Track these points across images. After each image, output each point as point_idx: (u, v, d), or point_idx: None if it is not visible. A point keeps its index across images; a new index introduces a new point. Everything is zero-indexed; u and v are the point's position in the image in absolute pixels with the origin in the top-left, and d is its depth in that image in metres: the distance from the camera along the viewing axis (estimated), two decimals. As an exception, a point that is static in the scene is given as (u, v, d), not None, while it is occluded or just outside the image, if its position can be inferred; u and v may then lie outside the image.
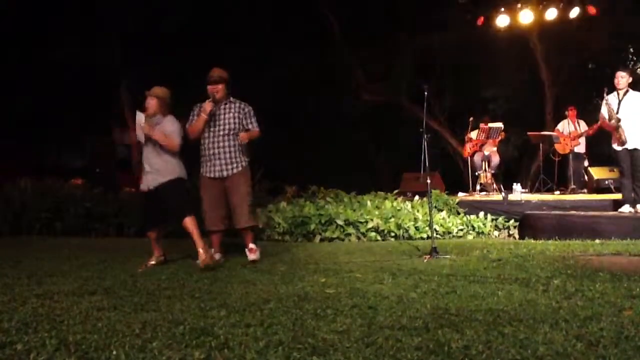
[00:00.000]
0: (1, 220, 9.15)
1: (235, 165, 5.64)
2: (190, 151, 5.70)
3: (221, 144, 5.62)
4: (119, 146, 16.94)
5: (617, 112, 7.81)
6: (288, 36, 15.19)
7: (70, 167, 14.98)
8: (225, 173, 5.63)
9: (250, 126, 5.71)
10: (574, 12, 11.59)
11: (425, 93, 6.54)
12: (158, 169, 5.39)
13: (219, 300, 3.69)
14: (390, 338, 2.73)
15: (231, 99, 5.75)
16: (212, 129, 5.64)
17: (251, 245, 5.73)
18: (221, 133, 5.63)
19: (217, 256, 5.66)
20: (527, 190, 11.89)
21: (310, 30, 15.60)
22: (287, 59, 15.08)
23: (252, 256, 5.67)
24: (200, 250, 5.22)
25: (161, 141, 5.33)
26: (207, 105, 5.52)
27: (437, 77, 15.32)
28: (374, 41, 15.44)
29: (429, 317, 3.14)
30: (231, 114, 5.67)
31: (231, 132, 5.64)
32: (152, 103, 5.43)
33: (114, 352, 2.55)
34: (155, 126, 5.39)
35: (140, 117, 5.35)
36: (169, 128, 5.40)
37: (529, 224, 7.99)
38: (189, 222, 5.33)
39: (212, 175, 5.65)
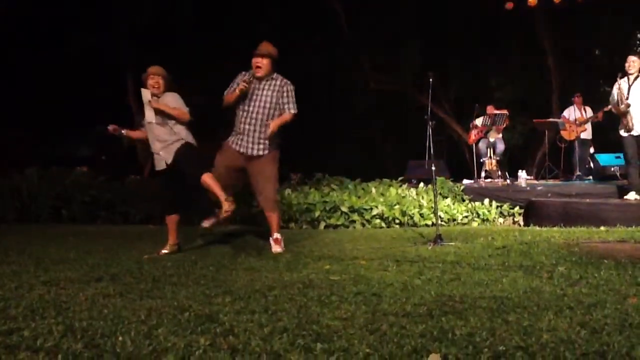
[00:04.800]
0: (8, 208, 9.20)
1: (263, 146, 5.40)
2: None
3: (253, 121, 5.37)
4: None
5: (627, 97, 7.76)
6: (296, 27, 15.11)
7: (76, 156, 15.01)
8: (250, 151, 5.39)
9: (285, 106, 5.40)
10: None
11: (431, 81, 6.53)
12: (169, 144, 5.29)
13: (224, 287, 3.71)
14: (395, 325, 2.74)
15: (274, 75, 5.47)
16: (248, 104, 5.39)
17: (276, 235, 5.49)
18: (256, 110, 5.37)
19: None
20: (532, 177, 11.87)
21: (317, 20, 15.51)
22: (295, 49, 15.02)
23: (276, 248, 5.44)
24: (223, 200, 5.09)
25: (171, 112, 5.22)
26: (242, 84, 5.33)
27: (443, 65, 15.23)
28: (381, 30, 15.35)
29: (433, 304, 3.15)
30: (269, 92, 5.39)
31: (266, 110, 5.37)
32: (158, 82, 5.34)
33: (120, 339, 2.56)
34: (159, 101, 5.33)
35: (145, 93, 5.28)
36: (174, 103, 5.30)
37: (534, 211, 7.98)
38: (207, 178, 5.15)
39: (237, 149, 5.44)
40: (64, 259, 5.00)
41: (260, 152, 5.39)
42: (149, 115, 5.29)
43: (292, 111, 5.43)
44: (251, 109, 5.39)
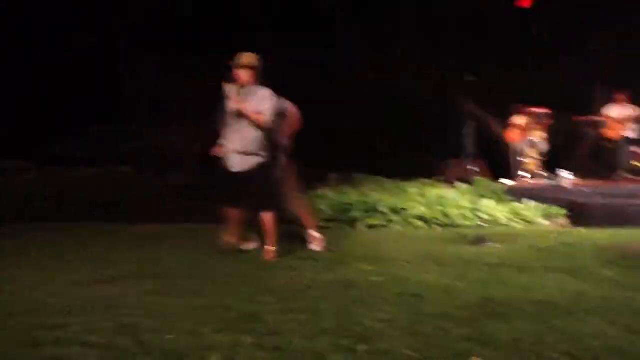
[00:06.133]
0: (72, 205, 9.42)
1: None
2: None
3: None
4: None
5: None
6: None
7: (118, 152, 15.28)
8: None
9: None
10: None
11: (469, 80, 6.44)
12: (245, 150, 4.99)
13: (265, 286, 3.75)
14: (437, 328, 2.73)
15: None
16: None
17: (314, 234, 5.58)
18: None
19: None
20: (576, 177, 11.60)
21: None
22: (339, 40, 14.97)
23: (314, 246, 5.51)
24: (269, 247, 5.05)
25: (252, 118, 4.93)
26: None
27: (481, 63, 15.00)
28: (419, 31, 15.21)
29: (476, 307, 3.12)
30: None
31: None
32: (242, 74, 4.95)
33: (167, 336, 2.62)
34: (247, 98, 4.98)
35: (229, 89, 4.95)
36: (263, 105, 4.98)
37: (579, 212, 7.79)
38: (270, 219, 5.02)
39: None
40: (113, 258, 5.13)
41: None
42: (234, 106, 4.94)
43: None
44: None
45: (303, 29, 14.14)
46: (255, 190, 4.98)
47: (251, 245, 5.47)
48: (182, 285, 3.83)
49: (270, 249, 5.07)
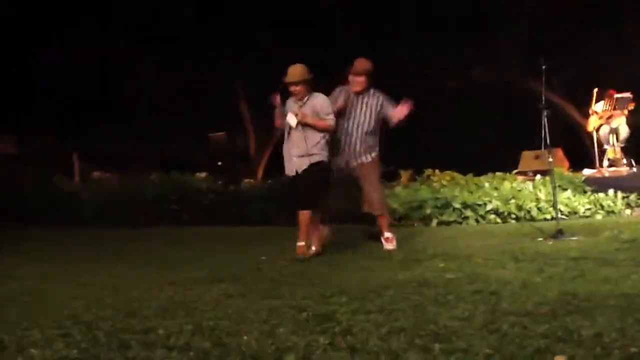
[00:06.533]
0: (132, 212, 9.86)
1: (368, 154, 5.72)
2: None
3: (357, 134, 5.68)
4: (239, 139, 17.62)
5: None
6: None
7: (195, 162, 15.82)
8: (355, 162, 5.71)
9: (389, 110, 5.70)
10: None
11: (543, 67, 6.23)
12: (306, 153, 5.27)
13: (338, 286, 3.77)
14: (516, 325, 2.66)
15: (371, 90, 5.75)
16: (347, 119, 5.68)
17: (387, 234, 5.69)
18: (355, 123, 5.69)
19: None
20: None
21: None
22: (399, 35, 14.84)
23: (388, 245, 5.62)
24: (299, 243, 5.23)
25: (316, 125, 5.27)
26: (341, 102, 5.57)
27: (554, 47, 14.44)
28: (479, 19, 14.84)
29: (555, 302, 3.02)
30: (367, 106, 5.70)
31: (365, 123, 5.70)
32: (297, 89, 5.28)
33: (244, 337, 2.69)
34: (304, 107, 5.31)
35: (291, 107, 5.32)
36: (325, 109, 5.33)
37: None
38: (306, 216, 5.23)
39: (342, 164, 5.73)
40: (188, 261, 5.31)
41: (367, 159, 5.71)
42: (291, 119, 5.28)
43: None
44: (350, 123, 5.69)
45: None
46: (303, 189, 5.25)
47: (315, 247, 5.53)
48: (256, 287, 3.92)
49: (300, 244, 5.21)
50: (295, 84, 5.22)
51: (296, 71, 5.25)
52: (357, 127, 5.69)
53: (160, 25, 14.20)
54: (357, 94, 5.68)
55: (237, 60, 14.61)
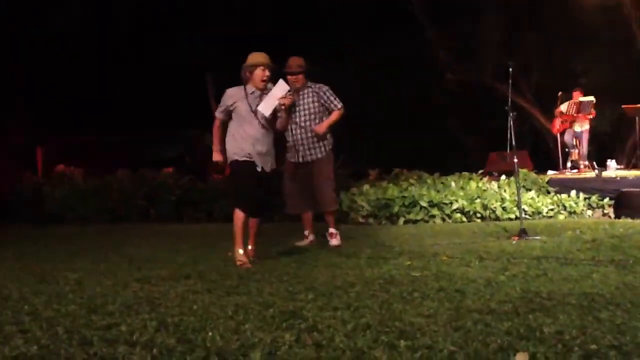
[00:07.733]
0: (101, 208, 9.73)
1: (318, 150, 5.76)
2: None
3: (304, 130, 5.72)
4: (208, 135, 17.48)
5: None
6: (366, 19, 15.07)
7: (163, 158, 15.64)
8: (307, 158, 5.75)
9: (332, 105, 5.75)
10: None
11: (510, 70, 6.34)
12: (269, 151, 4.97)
13: (306, 283, 3.77)
14: (479, 322, 2.69)
15: (308, 84, 5.80)
16: (294, 117, 5.70)
17: (331, 230, 5.79)
18: (302, 119, 5.73)
19: (311, 237, 5.88)
20: (622, 166, 11.27)
21: (388, 11, 15.38)
22: (369, 42, 14.94)
23: (333, 241, 5.73)
24: (237, 250, 4.79)
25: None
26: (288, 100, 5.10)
27: (523, 53, 14.70)
28: (458, 20, 15.02)
29: (519, 301, 3.07)
30: (310, 99, 5.75)
31: (312, 117, 5.74)
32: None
33: (210, 334, 2.67)
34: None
35: (283, 87, 4.86)
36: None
37: (626, 203, 7.59)
38: (239, 220, 4.82)
39: (294, 160, 5.80)
40: (155, 257, 5.24)
41: (319, 155, 5.75)
42: (267, 107, 4.80)
43: (338, 108, 5.77)
44: (298, 119, 5.72)
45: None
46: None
47: (305, 242, 5.82)
48: (223, 283, 3.89)
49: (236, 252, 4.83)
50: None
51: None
52: (304, 122, 5.72)
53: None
54: (297, 90, 5.66)
55: (206, 51, 14.62)
